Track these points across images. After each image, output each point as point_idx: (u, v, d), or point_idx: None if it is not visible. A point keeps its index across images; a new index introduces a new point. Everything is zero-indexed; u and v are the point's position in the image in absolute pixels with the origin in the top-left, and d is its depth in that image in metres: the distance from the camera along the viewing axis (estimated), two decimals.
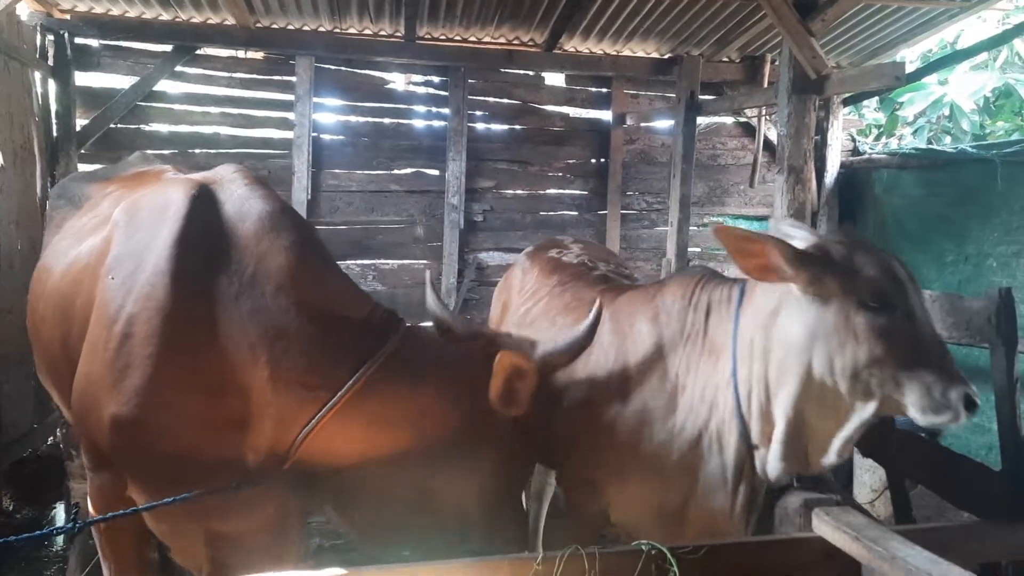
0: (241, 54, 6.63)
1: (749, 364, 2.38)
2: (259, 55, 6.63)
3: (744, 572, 2.10)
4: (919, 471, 2.99)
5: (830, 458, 2.30)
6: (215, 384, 2.21)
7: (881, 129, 9.57)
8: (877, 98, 8.64)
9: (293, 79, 6.50)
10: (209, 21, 6.27)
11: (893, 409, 2.19)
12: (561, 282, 3.36)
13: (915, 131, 9.47)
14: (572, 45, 6.98)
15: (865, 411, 2.19)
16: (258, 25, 6.35)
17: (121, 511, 2.30)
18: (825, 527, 2.07)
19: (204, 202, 2.42)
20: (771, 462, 2.34)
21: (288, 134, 6.56)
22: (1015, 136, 8.03)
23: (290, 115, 6.53)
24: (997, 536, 2.32)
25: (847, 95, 6.89)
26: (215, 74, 6.50)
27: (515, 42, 6.92)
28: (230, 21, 6.23)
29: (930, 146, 7.31)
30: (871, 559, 1.91)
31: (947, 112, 8.63)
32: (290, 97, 6.54)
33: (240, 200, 2.45)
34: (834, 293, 2.19)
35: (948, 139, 8.91)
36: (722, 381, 2.45)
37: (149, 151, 4.12)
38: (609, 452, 2.64)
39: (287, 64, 6.55)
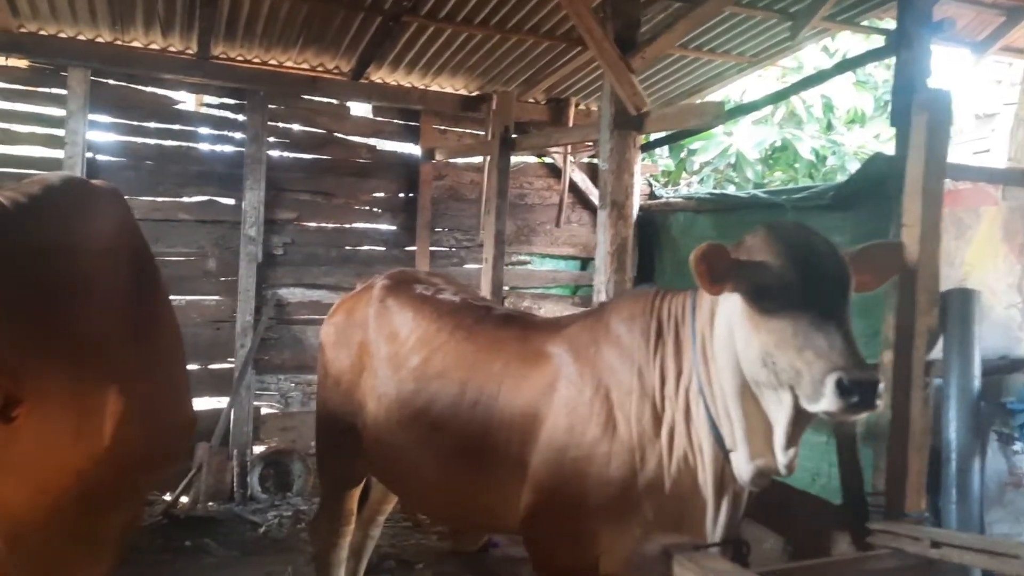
0: (1, 61, 5.82)
1: (705, 367, 2.38)
2: (23, 63, 5.85)
3: None
4: (759, 510, 2.97)
5: (781, 455, 2.20)
6: None
7: (669, 177, 10.10)
8: (668, 146, 9.11)
9: (64, 92, 5.79)
10: None
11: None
12: (463, 325, 3.11)
13: (701, 179, 10.08)
14: (380, 76, 6.75)
15: (786, 402, 2.12)
16: (22, 30, 5.61)
17: None
18: (687, 574, 1.97)
19: None
20: (740, 464, 2.30)
21: (58, 153, 5.79)
22: (791, 185, 8.70)
23: (60, 132, 5.79)
24: (852, 570, 2.35)
25: (644, 141, 7.16)
26: None
27: (319, 68, 6.60)
28: None
29: (723, 191, 7.73)
30: None
31: (732, 161, 9.22)
32: (61, 112, 5.80)
33: None
34: (732, 289, 2.23)
35: (732, 187, 9.52)
36: (693, 389, 2.42)
37: None
38: (602, 492, 2.46)
39: (57, 75, 5.82)
